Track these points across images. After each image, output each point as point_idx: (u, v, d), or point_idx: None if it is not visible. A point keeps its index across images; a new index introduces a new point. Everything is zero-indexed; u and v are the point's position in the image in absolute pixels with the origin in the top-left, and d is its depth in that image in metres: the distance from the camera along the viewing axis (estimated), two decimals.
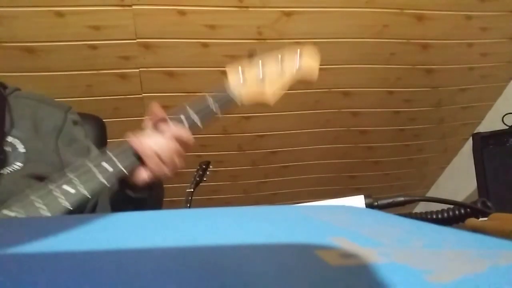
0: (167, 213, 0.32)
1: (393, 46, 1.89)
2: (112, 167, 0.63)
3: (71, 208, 0.58)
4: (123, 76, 1.78)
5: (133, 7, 1.56)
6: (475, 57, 2.01)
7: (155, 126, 0.67)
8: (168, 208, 0.75)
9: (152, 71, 1.79)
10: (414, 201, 0.55)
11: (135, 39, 1.66)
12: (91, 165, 0.62)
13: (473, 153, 1.88)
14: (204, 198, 2.32)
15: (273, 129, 2.17)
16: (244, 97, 0.73)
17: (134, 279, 0.16)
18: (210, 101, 0.70)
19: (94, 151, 0.81)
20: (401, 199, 0.54)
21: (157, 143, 0.65)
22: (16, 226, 0.31)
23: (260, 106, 0.75)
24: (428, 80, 2.08)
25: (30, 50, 1.61)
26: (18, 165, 0.68)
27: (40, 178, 0.67)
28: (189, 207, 1.63)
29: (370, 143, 2.36)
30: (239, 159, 2.28)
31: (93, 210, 0.78)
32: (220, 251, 0.21)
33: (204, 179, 1.74)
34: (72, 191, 0.59)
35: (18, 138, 0.71)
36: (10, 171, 0.67)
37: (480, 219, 0.49)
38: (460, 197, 2.33)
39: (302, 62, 0.76)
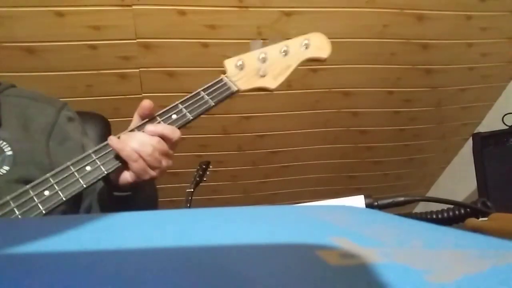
0: (167, 213, 0.32)
1: (393, 46, 1.89)
2: (94, 170, 0.61)
3: (44, 213, 0.57)
4: (123, 76, 1.78)
5: (133, 7, 1.56)
6: (475, 57, 2.01)
7: (141, 123, 0.65)
8: (168, 208, 0.75)
9: (152, 71, 1.79)
10: (414, 201, 0.55)
11: (135, 39, 1.66)
12: (73, 169, 0.60)
13: (473, 153, 1.87)
14: (204, 198, 2.32)
15: (273, 129, 2.17)
16: (242, 83, 0.70)
17: (134, 279, 0.16)
18: (202, 93, 0.68)
19: (89, 148, 0.80)
20: (401, 199, 0.53)
21: (140, 143, 0.62)
22: (16, 227, 0.31)
23: (261, 92, 0.71)
24: (428, 80, 2.08)
25: (30, 50, 1.61)
26: (4, 169, 0.66)
27: (28, 182, 0.64)
28: (189, 207, 1.63)
29: (370, 143, 2.36)
30: (239, 159, 2.28)
31: (88, 211, 0.77)
32: (220, 251, 0.21)
33: (204, 179, 1.74)
34: (51, 195, 0.58)
35: (5, 140, 0.68)
36: None
37: (480, 219, 0.49)
38: (460, 197, 2.33)
39: (310, 39, 0.74)
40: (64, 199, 0.59)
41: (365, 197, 0.53)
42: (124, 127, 0.67)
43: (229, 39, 1.73)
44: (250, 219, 0.31)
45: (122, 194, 0.66)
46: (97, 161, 0.62)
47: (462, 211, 0.50)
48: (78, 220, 0.30)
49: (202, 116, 0.69)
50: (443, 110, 2.26)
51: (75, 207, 0.74)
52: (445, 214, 0.51)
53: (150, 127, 0.63)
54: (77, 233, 0.24)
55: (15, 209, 0.56)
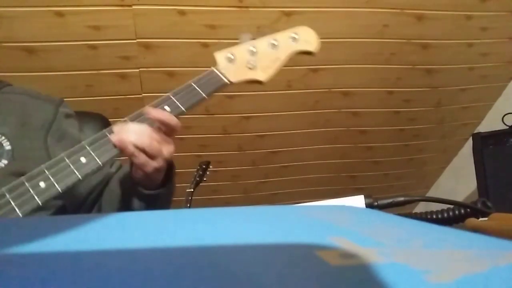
0: (167, 213, 0.32)
1: (393, 46, 1.89)
2: (90, 162, 0.61)
3: (41, 205, 0.57)
4: (123, 76, 1.78)
5: (133, 7, 1.56)
6: (475, 57, 2.01)
7: (134, 114, 0.65)
8: (168, 208, 0.75)
9: (152, 71, 1.79)
10: (414, 201, 0.55)
11: (135, 39, 1.66)
12: (67, 160, 0.60)
13: (473, 153, 1.88)
14: (204, 198, 2.32)
15: (273, 129, 2.17)
16: (233, 75, 0.70)
17: (134, 279, 0.16)
18: (193, 85, 0.68)
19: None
20: (401, 199, 0.54)
21: (136, 132, 0.62)
22: (17, 226, 0.31)
23: (253, 84, 0.71)
24: (428, 80, 2.08)
25: (30, 50, 1.61)
26: (3, 162, 0.66)
27: None
28: (189, 207, 1.63)
29: (370, 143, 2.36)
30: (239, 159, 2.28)
31: (93, 205, 0.77)
32: (220, 251, 0.21)
33: (204, 179, 1.74)
34: (46, 187, 0.58)
35: (3, 135, 0.69)
36: None
37: (480, 219, 0.49)
38: (460, 197, 2.33)
39: (298, 32, 0.74)
40: (60, 190, 0.58)
41: (365, 197, 0.53)
42: None
43: (229, 39, 1.72)
44: (250, 219, 0.31)
45: (151, 192, 0.67)
46: (91, 152, 0.61)
47: (462, 211, 0.50)
48: (78, 220, 0.30)
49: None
50: (443, 110, 2.26)
51: (77, 208, 0.74)
52: (445, 214, 0.51)
53: (147, 115, 0.64)
54: (77, 233, 0.24)
55: (10, 200, 0.56)
